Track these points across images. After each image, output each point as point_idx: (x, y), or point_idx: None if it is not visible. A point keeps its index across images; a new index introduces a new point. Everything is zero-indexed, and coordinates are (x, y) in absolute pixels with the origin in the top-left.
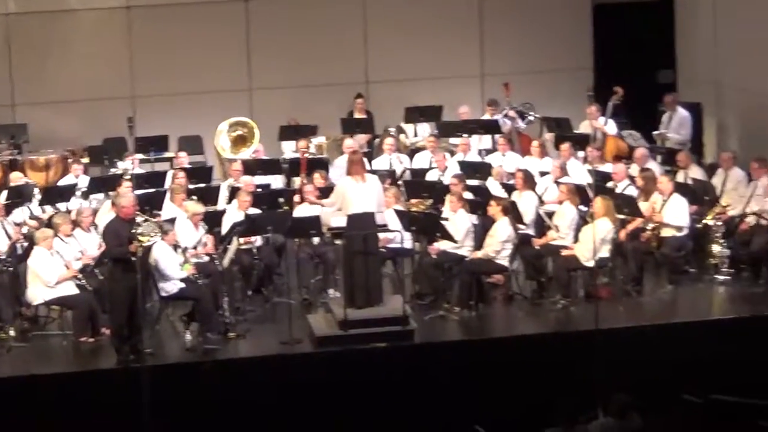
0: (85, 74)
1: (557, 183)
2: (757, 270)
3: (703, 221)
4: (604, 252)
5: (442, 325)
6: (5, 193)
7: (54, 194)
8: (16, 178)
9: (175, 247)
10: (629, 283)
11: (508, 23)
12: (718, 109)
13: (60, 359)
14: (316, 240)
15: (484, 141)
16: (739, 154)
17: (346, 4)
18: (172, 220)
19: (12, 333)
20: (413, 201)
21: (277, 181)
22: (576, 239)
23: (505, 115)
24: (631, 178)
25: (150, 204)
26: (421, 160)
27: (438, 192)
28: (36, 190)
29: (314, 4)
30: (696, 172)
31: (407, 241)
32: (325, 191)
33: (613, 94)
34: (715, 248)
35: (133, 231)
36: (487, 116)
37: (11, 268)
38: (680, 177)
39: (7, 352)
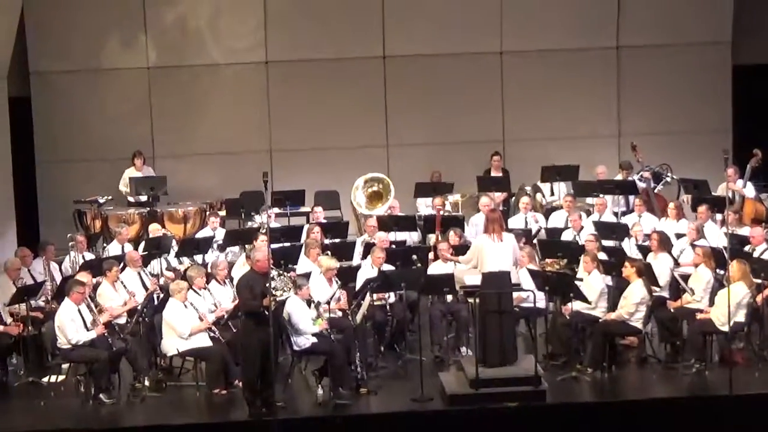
0: (223, 127)
1: (693, 245)
2: None
3: None
4: (740, 317)
5: (575, 386)
6: (143, 244)
7: (191, 246)
8: (155, 230)
9: (309, 301)
10: (765, 348)
11: (646, 83)
12: None
13: (193, 410)
14: (449, 297)
15: (618, 201)
16: None
17: (484, 63)
18: (306, 275)
19: (147, 383)
20: (548, 260)
21: (412, 238)
22: (711, 303)
23: (640, 177)
24: None
25: (285, 258)
26: (556, 220)
27: (573, 252)
28: (174, 242)
29: (451, 62)
30: None
31: (541, 300)
32: (460, 249)
33: (752, 156)
34: None
35: (267, 285)
36: (619, 178)
37: (147, 319)
38: None
39: (141, 401)
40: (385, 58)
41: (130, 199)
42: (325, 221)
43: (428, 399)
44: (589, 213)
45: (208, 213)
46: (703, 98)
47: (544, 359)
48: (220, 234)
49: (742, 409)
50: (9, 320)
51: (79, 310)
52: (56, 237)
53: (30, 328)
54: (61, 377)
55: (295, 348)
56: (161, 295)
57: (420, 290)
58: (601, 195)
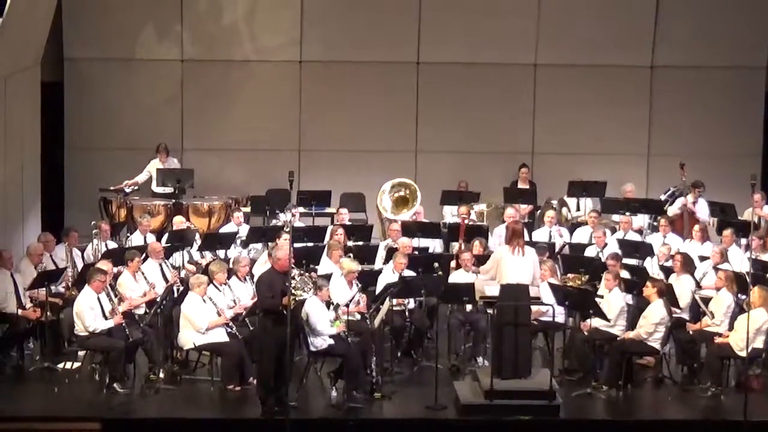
0: (254, 124)
1: (716, 269)
2: None
3: None
4: (759, 343)
5: (589, 402)
6: (167, 235)
7: (214, 241)
8: (179, 222)
9: (328, 303)
10: None
11: (678, 104)
12: None
13: (206, 405)
14: (468, 307)
15: (637, 221)
16: None
17: (517, 75)
18: (327, 276)
19: (162, 375)
20: (569, 276)
21: (435, 245)
22: (731, 327)
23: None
24: None
25: (307, 258)
26: (581, 235)
27: (595, 268)
28: (197, 236)
29: (484, 71)
30: None
31: (560, 315)
32: (483, 259)
33: None
34: None
35: (288, 284)
36: (690, 198)
37: (166, 311)
38: None
39: (155, 393)
40: (419, 64)
41: (156, 189)
42: (349, 223)
43: (442, 407)
44: (614, 230)
45: (233, 208)
46: (734, 122)
47: (560, 374)
48: (243, 230)
49: None
50: (28, 305)
51: (98, 299)
52: (80, 224)
53: (48, 313)
54: (77, 364)
55: (312, 348)
56: (181, 288)
57: (440, 298)
58: (627, 213)
